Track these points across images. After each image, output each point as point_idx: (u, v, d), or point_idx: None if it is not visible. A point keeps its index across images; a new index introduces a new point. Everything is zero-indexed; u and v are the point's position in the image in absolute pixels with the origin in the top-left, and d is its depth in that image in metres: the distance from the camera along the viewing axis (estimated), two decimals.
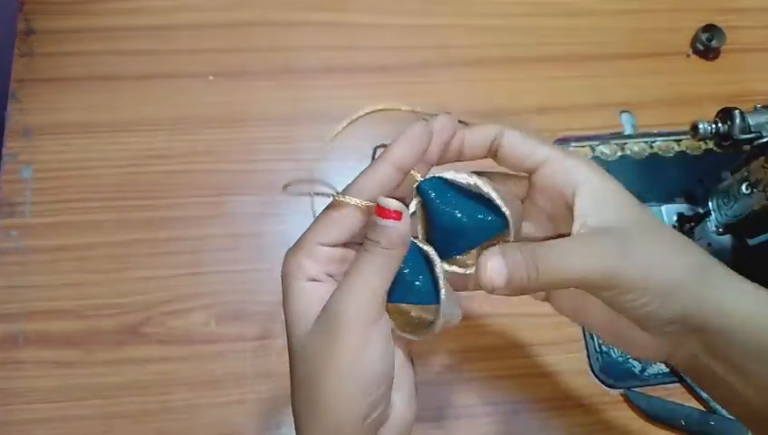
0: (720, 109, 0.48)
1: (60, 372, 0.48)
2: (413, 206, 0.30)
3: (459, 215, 0.29)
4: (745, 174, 0.48)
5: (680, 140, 0.59)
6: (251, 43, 0.60)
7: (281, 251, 0.30)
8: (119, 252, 0.52)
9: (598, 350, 0.52)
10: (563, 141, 0.58)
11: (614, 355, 0.52)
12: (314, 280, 0.29)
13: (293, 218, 0.53)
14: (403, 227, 0.27)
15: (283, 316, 0.29)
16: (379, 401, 0.28)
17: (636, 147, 0.59)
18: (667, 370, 0.51)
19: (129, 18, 0.59)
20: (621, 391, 0.51)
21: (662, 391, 0.50)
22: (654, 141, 0.59)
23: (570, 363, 0.51)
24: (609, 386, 0.51)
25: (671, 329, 0.29)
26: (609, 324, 0.32)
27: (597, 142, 0.59)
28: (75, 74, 0.57)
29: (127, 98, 0.57)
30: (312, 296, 0.28)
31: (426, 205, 0.29)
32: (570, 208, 0.30)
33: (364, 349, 0.27)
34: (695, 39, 0.63)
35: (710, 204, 0.53)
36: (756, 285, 0.30)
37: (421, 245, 0.30)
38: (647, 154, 0.59)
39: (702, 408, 0.50)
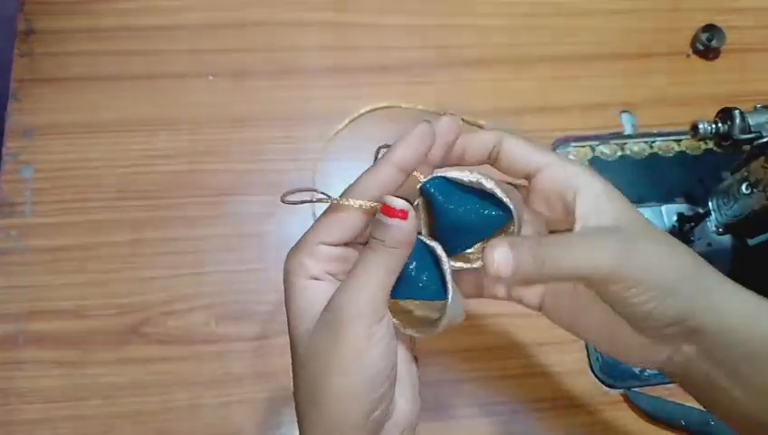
0: (720, 109, 0.48)
1: (60, 372, 0.48)
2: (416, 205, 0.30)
3: (465, 212, 0.29)
4: (745, 174, 0.48)
5: (680, 140, 0.59)
6: (251, 43, 0.60)
7: (281, 251, 0.30)
8: (119, 252, 0.52)
9: (598, 350, 0.52)
10: (563, 141, 0.58)
11: None
12: (316, 279, 0.29)
13: (294, 219, 0.53)
14: (408, 227, 0.27)
15: (285, 315, 0.29)
16: (383, 398, 0.28)
17: (636, 147, 0.59)
18: None
19: (130, 18, 0.59)
20: (621, 391, 0.51)
21: (662, 391, 0.51)
22: (654, 141, 0.59)
23: (569, 363, 0.51)
24: (609, 386, 0.51)
25: (669, 331, 0.30)
26: (605, 330, 0.32)
27: (597, 142, 0.59)
28: (76, 74, 0.57)
29: (128, 98, 0.57)
30: (314, 295, 0.28)
31: (430, 204, 0.30)
32: (568, 213, 0.31)
33: (367, 346, 0.27)
34: (695, 39, 0.63)
35: (710, 204, 0.53)
36: (744, 288, 0.30)
37: (427, 241, 0.30)
38: (647, 154, 0.59)
39: (702, 408, 0.50)
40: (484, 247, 0.29)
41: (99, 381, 0.48)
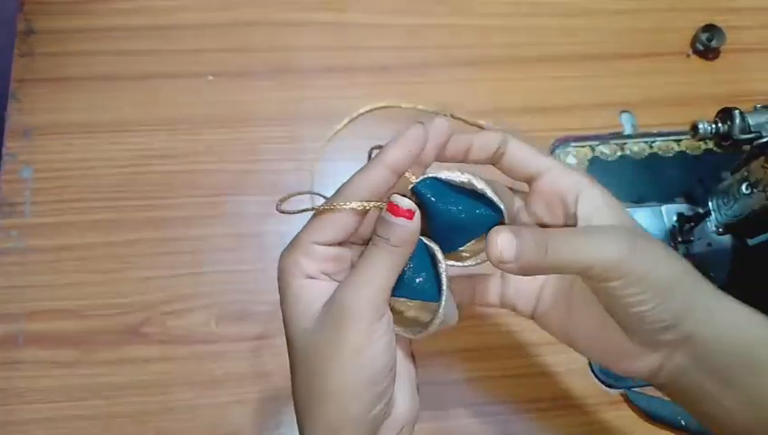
0: (720, 109, 0.48)
1: (60, 372, 0.48)
2: None
3: (457, 212, 0.30)
4: (745, 174, 0.48)
5: (680, 140, 0.59)
6: (251, 43, 0.60)
7: (280, 251, 0.30)
8: (119, 252, 0.52)
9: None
10: (563, 141, 0.58)
11: None
12: (311, 278, 0.29)
13: (294, 219, 0.53)
14: (413, 226, 0.28)
15: (281, 315, 0.30)
16: (383, 395, 0.28)
17: (636, 147, 0.59)
18: None
19: (130, 18, 0.60)
20: (621, 391, 0.51)
21: None
22: (654, 141, 0.59)
23: (570, 363, 0.51)
24: (609, 386, 0.51)
25: (663, 337, 0.30)
26: (598, 337, 0.33)
27: (597, 142, 0.59)
28: (75, 74, 0.57)
29: (127, 98, 0.57)
30: (311, 294, 0.29)
31: (422, 205, 0.30)
32: (568, 217, 0.31)
33: (369, 343, 0.27)
34: (695, 39, 0.63)
35: (710, 204, 0.53)
36: (733, 298, 0.31)
37: (427, 242, 0.30)
38: (646, 154, 0.59)
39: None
40: (481, 242, 0.30)
41: (99, 381, 0.48)
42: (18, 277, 0.51)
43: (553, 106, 0.60)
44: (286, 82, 0.59)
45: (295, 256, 0.29)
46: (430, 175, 0.29)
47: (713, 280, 0.33)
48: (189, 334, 0.50)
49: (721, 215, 0.52)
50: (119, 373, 0.49)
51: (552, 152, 0.58)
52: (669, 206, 0.56)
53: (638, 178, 0.58)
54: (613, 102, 0.61)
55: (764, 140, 0.46)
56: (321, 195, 0.29)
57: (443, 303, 0.29)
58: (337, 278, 0.29)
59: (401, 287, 0.29)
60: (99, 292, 0.51)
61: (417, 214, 0.28)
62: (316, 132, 0.57)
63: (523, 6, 0.64)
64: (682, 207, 0.56)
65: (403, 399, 0.30)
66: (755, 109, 0.47)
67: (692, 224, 0.54)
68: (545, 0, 0.64)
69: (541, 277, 0.36)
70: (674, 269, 0.30)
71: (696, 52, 0.63)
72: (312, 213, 0.29)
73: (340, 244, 0.29)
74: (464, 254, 0.31)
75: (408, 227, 0.27)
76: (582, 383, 0.51)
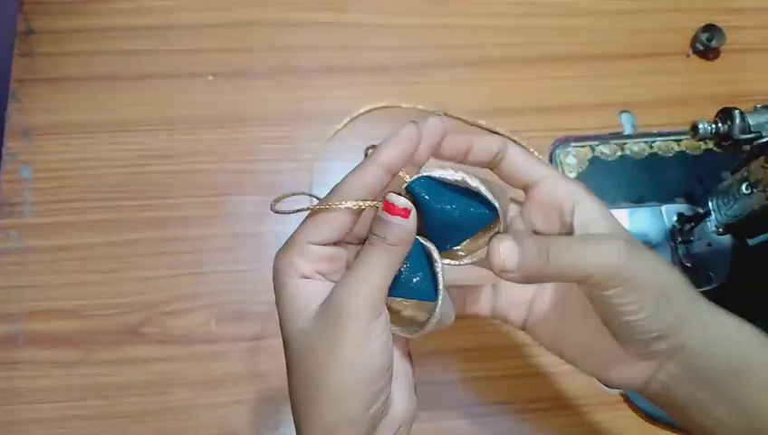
0: (720, 109, 0.48)
1: (60, 372, 0.48)
2: None
3: (451, 211, 0.30)
4: (745, 174, 0.48)
5: (680, 140, 0.59)
6: (251, 43, 0.60)
7: (276, 251, 0.30)
8: (119, 252, 0.52)
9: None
10: (563, 141, 0.58)
11: None
12: (307, 278, 0.29)
13: (290, 219, 0.53)
14: (410, 225, 0.28)
15: (278, 315, 0.30)
16: (380, 394, 0.28)
17: (636, 147, 0.59)
18: None
19: (129, 18, 0.60)
20: (621, 390, 0.51)
21: None
22: (654, 141, 0.59)
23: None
24: (609, 386, 0.51)
25: (656, 347, 0.30)
26: (590, 347, 0.33)
27: (597, 142, 0.59)
28: (75, 74, 0.57)
29: (127, 98, 0.57)
30: (307, 294, 0.29)
31: (417, 204, 0.30)
32: (564, 226, 0.32)
33: (367, 342, 0.27)
34: (695, 39, 0.63)
35: (710, 204, 0.53)
36: (723, 309, 0.31)
37: (423, 242, 0.30)
38: (646, 154, 0.59)
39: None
40: (476, 240, 0.29)
41: (99, 381, 0.48)
42: (18, 277, 0.51)
43: (553, 106, 0.60)
44: (286, 82, 0.59)
45: (290, 256, 0.29)
46: (424, 174, 0.29)
47: (713, 280, 0.33)
48: (189, 334, 0.50)
49: (721, 215, 0.52)
50: (118, 373, 0.49)
51: (552, 152, 0.58)
52: (669, 206, 0.56)
53: (638, 178, 0.57)
54: (613, 102, 0.60)
55: (764, 140, 0.45)
56: (315, 196, 0.29)
57: (439, 302, 0.29)
58: (332, 278, 0.29)
59: (398, 287, 0.29)
60: (98, 292, 0.51)
61: (414, 212, 0.28)
62: (315, 132, 0.57)
63: (522, 6, 0.64)
64: (682, 207, 0.56)
65: (400, 398, 0.30)
66: (755, 109, 0.47)
67: (692, 224, 0.54)
68: (545, 0, 0.64)
69: (532, 288, 0.36)
70: (670, 280, 0.30)
71: (696, 52, 0.63)
72: (307, 213, 0.29)
73: (335, 244, 0.29)
74: (460, 253, 0.31)
75: (404, 226, 0.28)
76: (582, 383, 0.51)
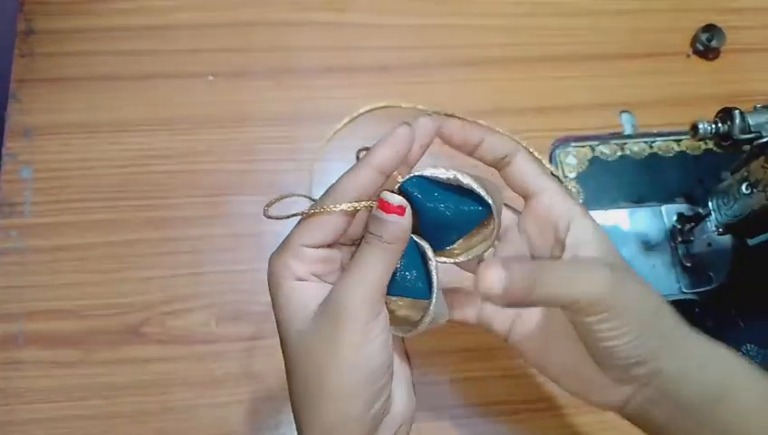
0: (720, 109, 0.48)
1: (60, 372, 0.48)
2: None
3: (445, 209, 0.30)
4: (745, 174, 0.48)
5: (680, 140, 0.59)
6: (251, 43, 0.60)
7: (271, 254, 0.30)
8: (119, 252, 0.52)
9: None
10: (563, 141, 0.58)
11: None
12: (302, 280, 0.29)
13: (292, 219, 0.53)
14: (405, 222, 0.28)
15: (275, 317, 0.30)
16: (381, 393, 0.28)
17: (636, 147, 0.59)
18: None
19: (129, 18, 0.60)
20: None
21: None
22: (654, 141, 0.59)
23: None
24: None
25: (635, 371, 0.30)
26: (572, 369, 0.33)
27: (597, 142, 0.59)
28: (75, 74, 0.57)
29: (127, 98, 0.57)
30: (302, 295, 0.29)
31: (410, 203, 0.30)
32: (557, 240, 0.32)
33: (366, 342, 0.27)
34: (695, 39, 0.63)
35: (710, 204, 0.53)
36: (698, 332, 0.31)
37: (418, 240, 0.30)
38: (646, 154, 0.59)
39: None
40: (470, 238, 0.30)
41: (98, 381, 0.48)
42: (18, 277, 0.51)
43: (553, 106, 0.60)
44: (286, 82, 0.59)
45: (285, 258, 0.29)
46: (416, 173, 0.29)
47: (713, 280, 0.33)
48: (189, 334, 0.50)
49: (721, 215, 0.52)
50: (118, 373, 0.49)
51: (552, 152, 0.58)
52: (669, 206, 0.56)
53: (638, 178, 0.57)
54: (613, 102, 0.60)
55: (764, 140, 0.45)
56: (309, 197, 0.29)
57: (434, 300, 0.29)
58: (327, 280, 0.29)
59: (393, 285, 0.29)
60: (98, 292, 0.51)
61: (409, 210, 0.28)
62: (315, 133, 0.57)
63: (523, 6, 0.64)
64: (682, 207, 0.56)
65: (400, 397, 0.30)
66: (755, 109, 0.47)
67: (692, 224, 0.54)
68: (545, 0, 0.64)
69: None
70: (653, 307, 0.30)
71: (696, 52, 0.63)
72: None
73: (329, 245, 0.29)
74: (454, 250, 0.32)
75: (400, 224, 0.28)
76: None
